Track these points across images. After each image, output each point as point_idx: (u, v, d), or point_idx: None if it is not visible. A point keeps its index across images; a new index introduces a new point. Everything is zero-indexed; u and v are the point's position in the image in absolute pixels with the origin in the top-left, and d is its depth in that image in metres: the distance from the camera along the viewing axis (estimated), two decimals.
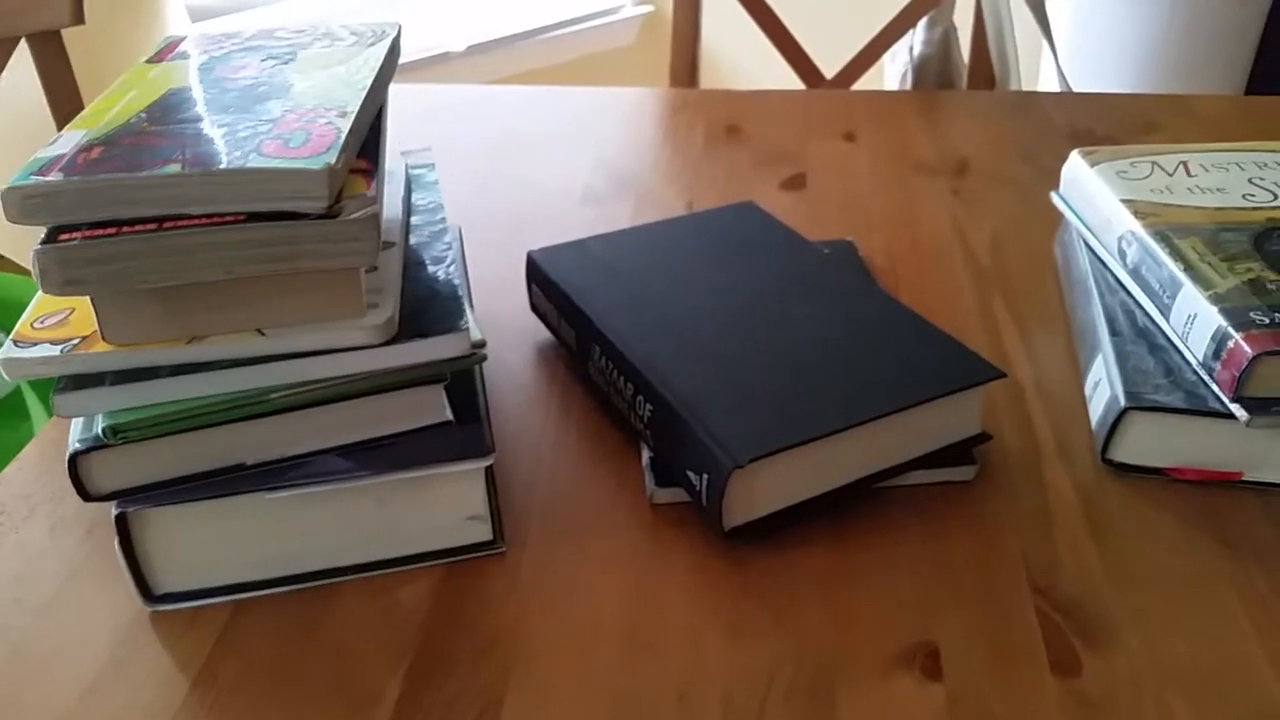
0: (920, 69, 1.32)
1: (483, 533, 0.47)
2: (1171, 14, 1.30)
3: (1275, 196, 0.59)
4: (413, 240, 0.51)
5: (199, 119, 0.42)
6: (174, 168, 0.38)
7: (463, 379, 0.49)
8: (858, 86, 1.31)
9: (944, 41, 1.31)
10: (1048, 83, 1.37)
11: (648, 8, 2.47)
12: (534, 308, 0.62)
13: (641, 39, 2.50)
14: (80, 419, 0.43)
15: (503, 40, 2.27)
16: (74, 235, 0.38)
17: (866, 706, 0.40)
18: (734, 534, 0.46)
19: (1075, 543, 0.47)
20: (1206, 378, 0.49)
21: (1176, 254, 0.54)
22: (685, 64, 1.32)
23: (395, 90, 0.98)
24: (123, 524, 0.42)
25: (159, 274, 0.39)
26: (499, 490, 0.50)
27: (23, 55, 1.10)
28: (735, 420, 0.46)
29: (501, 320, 0.64)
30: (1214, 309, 0.49)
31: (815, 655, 0.42)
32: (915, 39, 1.34)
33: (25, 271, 1.17)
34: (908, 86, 1.37)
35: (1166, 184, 0.61)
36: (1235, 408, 0.47)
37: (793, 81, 1.83)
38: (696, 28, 1.33)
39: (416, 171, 0.58)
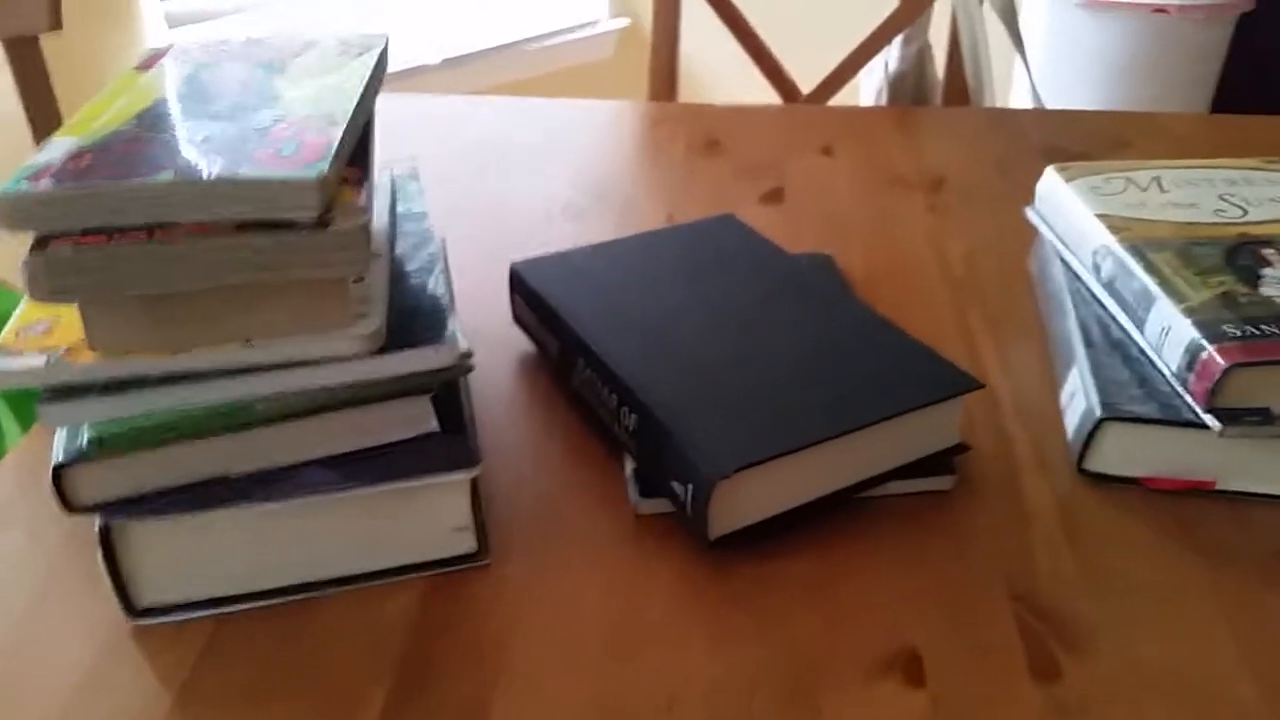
0: (896, 85, 1.33)
1: (468, 544, 0.47)
2: (1141, 35, 1.32)
3: (1245, 212, 0.60)
4: (398, 251, 0.52)
5: (190, 127, 0.42)
6: (166, 176, 0.38)
7: (448, 390, 0.49)
8: (834, 102, 1.32)
9: (919, 58, 1.33)
10: (1020, 99, 1.39)
11: (624, 21, 2.49)
12: (517, 319, 0.62)
13: (619, 53, 2.52)
14: (64, 430, 0.43)
15: (478, 53, 2.28)
16: (64, 243, 0.38)
17: (850, 713, 0.40)
18: (718, 544, 0.47)
19: (1053, 551, 0.48)
20: (1180, 389, 0.50)
21: (1150, 268, 0.55)
22: (664, 78, 1.33)
23: (377, 104, 0.98)
24: (106, 537, 0.42)
25: (148, 283, 0.39)
26: (483, 500, 0.51)
27: None
28: (719, 431, 0.46)
29: (484, 332, 0.64)
30: (1187, 322, 0.50)
31: (799, 663, 0.42)
32: (891, 55, 1.35)
33: (10, 285, 1.16)
34: (883, 102, 1.38)
35: (1140, 199, 0.62)
36: (1208, 418, 0.48)
37: (770, 96, 1.84)
38: (676, 41, 1.34)
39: (401, 181, 0.58)
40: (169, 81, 0.48)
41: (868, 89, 1.42)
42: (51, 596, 0.46)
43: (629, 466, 0.51)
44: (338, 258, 0.39)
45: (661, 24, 1.32)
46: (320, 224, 0.39)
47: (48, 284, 0.38)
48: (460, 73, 2.25)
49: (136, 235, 0.38)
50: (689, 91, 2.50)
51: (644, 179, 0.83)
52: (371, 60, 0.50)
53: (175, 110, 0.44)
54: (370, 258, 0.42)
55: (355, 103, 0.45)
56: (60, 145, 0.41)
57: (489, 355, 0.62)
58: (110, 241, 0.38)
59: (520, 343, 0.63)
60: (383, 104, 0.99)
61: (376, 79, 0.50)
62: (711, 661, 0.42)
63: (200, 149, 0.40)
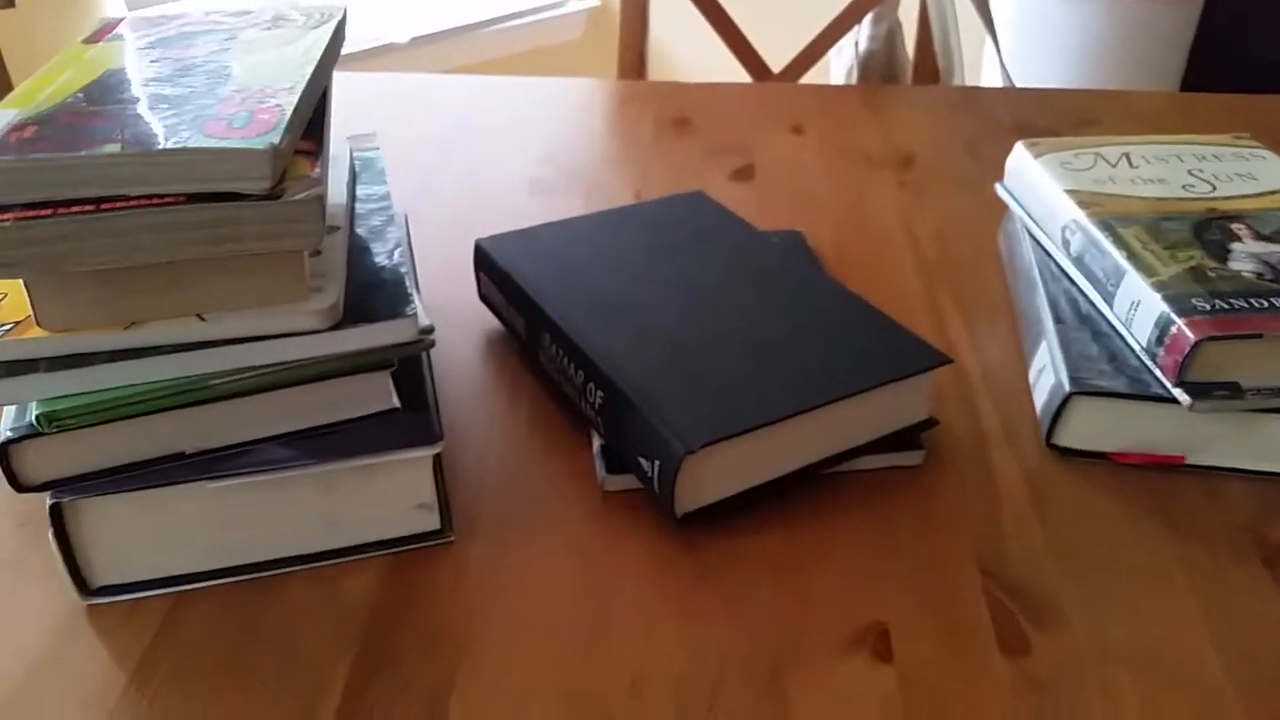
0: (866, 64, 1.33)
1: (431, 522, 0.46)
2: (1109, 14, 1.32)
3: (1214, 188, 0.60)
4: (358, 227, 0.50)
5: (138, 99, 0.41)
6: (113, 147, 0.37)
7: (410, 366, 0.48)
8: (804, 81, 1.32)
9: (889, 37, 1.32)
10: (990, 78, 1.39)
11: (594, 1, 2.47)
12: (482, 297, 0.61)
13: (587, 33, 2.50)
14: (12, 407, 0.41)
15: (447, 32, 2.26)
16: (7, 216, 0.37)
17: (818, 689, 0.40)
18: (686, 520, 0.46)
19: (1022, 526, 0.47)
20: (1149, 363, 0.50)
21: (1120, 242, 0.54)
22: (633, 56, 1.32)
23: (339, 79, 0.97)
24: (57, 515, 0.41)
25: (96, 256, 0.38)
26: (448, 478, 0.50)
27: None
28: (686, 406, 0.46)
29: (449, 310, 0.63)
30: (1157, 296, 0.50)
31: (767, 639, 0.42)
32: (861, 35, 1.35)
33: None
34: (853, 81, 1.38)
35: (1109, 174, 0.62)
36: (1178, 392, 0.48)
37: (740, 76, 1.84)
38: (645, 21, 1.33)
39: (362, 158, 0.57)
40: (117, 54, 0.46)
41: (838, 68, 1.42)
42: (3, 577, 0.45)
43: (596, 443, 0.51)
44: (291, 229, 0.38)
45: (630, 3, 1.31)
46: (273, 195, 0.38)
47: None
48: (428, 52, 2.23)
49: (84, 208, 0.37)
50: (658, 74, 2.49)
51: (612, 157, 0.82)
52: (328, 32, 0.49)
53: (123, 83, 0.43)
54: (326, 230, 0.41)
55: (309, 73, 0.43)
56: (2, 117, 0.40)
57: (454, 334, 0.61)
58: (56, 214, 0.37)
59: (486, 321, 0.62)
60: (350, 82, 0.97)
61: (333, 51, 0.49)
62: (679, 640, 0.42)
63: (148, 120, 0.39)
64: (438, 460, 0.45)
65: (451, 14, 2.27)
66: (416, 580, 0.45)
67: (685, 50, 2.45)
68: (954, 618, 0.43)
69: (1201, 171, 0.62)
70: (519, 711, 0.39)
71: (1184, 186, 0.60)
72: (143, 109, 0.40)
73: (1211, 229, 0.55)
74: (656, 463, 0.45)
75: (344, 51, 1.02)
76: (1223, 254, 0.53)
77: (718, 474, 0.46)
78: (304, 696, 0.40)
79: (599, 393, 0.49)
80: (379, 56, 2.16)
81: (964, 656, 0.41)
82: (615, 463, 0.49)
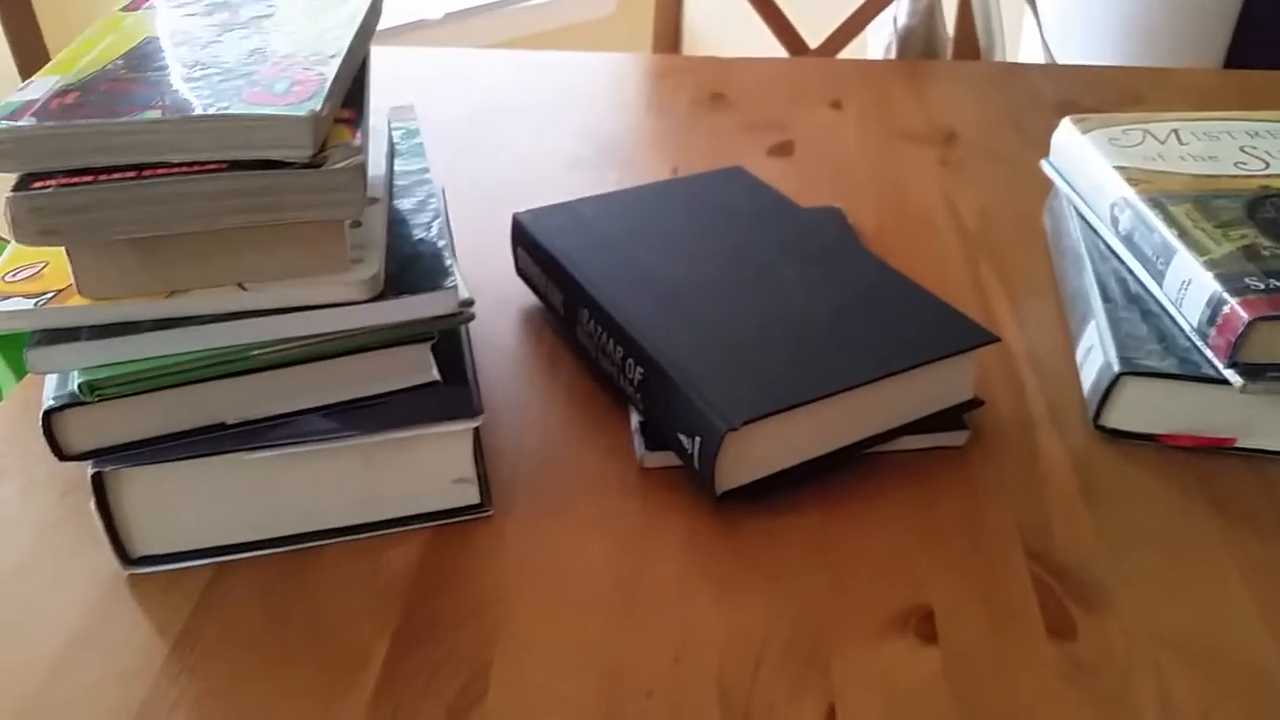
0: (905, 40, 1.31)
1: (470, 496, 0.46)
2: None
3: (1267, 165, 0.58)
4: (396, 199, 0.50)
5: (178, 66, 0.41)
6: (153, 114, 0.37)
7: (449, 340, 0.48)
8: (842, 56, 1.30)
9: (928, 12, 1.30)
10: (1030, 54, 1.36)
11: None
12: (520, 272, 0.61)
13: (622, 9, 2.48)
14: (55, 376, 0.41)
15: (481, 8, 2.25)
16: (48, 183, 0.36)
17: (861, 669, 0.39)
18: (726, 498, 0.46)
19: (1068, 508, 0.47)
20: (1200, 344, 0.49)
21: (1170, 220, 0.53)
22: (669, 30, 1.31)
23: (376, 53, 0.96)
24: (99, 484, 0.41)
25: (137, 224, 0.37)
26: (486, 454, 0.49)
27: None
28: (727, 383, 0.45)
29: (486, 285, 0.63)
30: (1209, 275, 0.49)
31: (809, 619, 0.41)
32: (899, 9, 1.33)
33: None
34: (892, 57, 1.36)
35: (1158, 151, 0.60)
36: (1230, 373, 0.47)
37: (776, 51, 1.82)
38: None
39: (400, 130, 0.57)
40: (155, 22, 0.46)
41: (876, 45, 1.40)
42: (45, 547, 0.45)
43: (634, 420, 0.50)
44: (332, 199, 0.38)
45: None
46: (314, 164, 0.38)
47: (32, 226, 0.37)
48: (461, 28, 2.22)
49: (124, 175, 0.37)
50: (693, 49, 2.47)
51: (648, 132, 0.82)
52: (366, 1, 0.48)
53: (163, 50, 0.43)
54: (366, 200, 0.41)
55: (349, 42, 0.43)
56: (43, 84, 0.39)
57: (492, 309, 0.60)
58: (96, 181, 0.37)
59: (523, 296, 0.61)
60: (384, 57, 0.97)
61: (371, 20, 0.48)
62: (719, 617, 0.41)
63: (189, 87, 0.39)
64: (477, 434, 0.44)
65: None
66: (455, 553, 0.44)
67: (721, 25, 2.43)
68: (999, 601, 0.42)
69: (1254, 148, 0.60)
70: (558, 683, 0.39)
71: (1235, 164, 0.59)
72: (183, 76, 0.40)
73: (1265, 207, 0.54)
74: (697, 439, 0.44)
75: (377, 28, 1.02)
76: (1277, 232, 0.52)
77: (758, 452, 0.45)
78: (344, 667, 0.40)
79: (638, 369, 0.48)
80: (412, 32, 2.16)
81: (1009, 640, 0.40)
82: (654, 439, 0.49)
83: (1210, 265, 0.49)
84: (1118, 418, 0.50)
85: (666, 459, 0.48)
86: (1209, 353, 0.48)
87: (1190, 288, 0.50)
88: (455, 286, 0.42)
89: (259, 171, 0.37)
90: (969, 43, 1.25)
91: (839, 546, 0.45)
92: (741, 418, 0.43)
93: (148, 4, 0.49)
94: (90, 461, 0.41)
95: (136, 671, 0.39)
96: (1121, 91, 0.89)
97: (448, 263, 0.44)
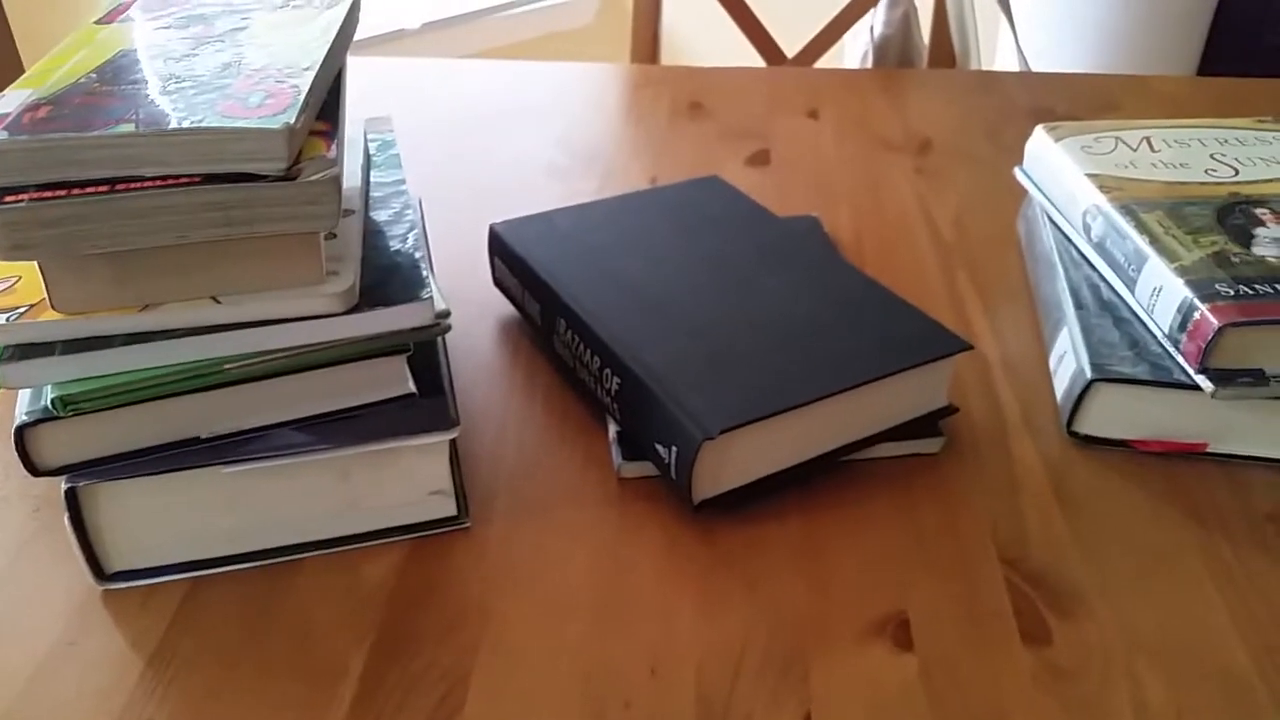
0: (881, 49, 1.32)
1: (447, 508, 0.46)
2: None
3: (1236, 172, 0.59)
4: (373, 210, 0.50)
5: (152, 79, 0.41)
6: (126, 127, 0.37)
7: (425, 351, 0.48)
8: (819, 66, 1.31)
9: (904, 22, 1.31)
10: (1005, 62, 1.38)
11: None
12: (497, 282, 0.61)
13: (600, 19, 2.49)
14: (28, 391, 0.41)
15: (459, 18, 2.25)
16: (21, 197, 0.36)
17: (839, 676, 0.39)
18: (703, 507, 0.46)
19: (1043, 514, 0.47)
20: (1172, 350, 0.50)
21: (1142, 227, 0.54)
22: (647, 39, 1.31)
23: (353, 64, 0.96)
24: (73, 499, 0.41)
25: (111, 238, 0.37)
26: (464, 465, 0.49)
27: None
28: (704, 392, 0.45)
29: (463, 295, 0.63)
30: (1180, 281, 0.49)
31: (787, 627, 0.41)
32: (876, 19, 1.34)
33: None
34: (869, 66, 1.37)
35: (1130, 159, 0.61)
36: (1201, 379, 0.48)
37: (754, 60, 1.83)
38: (658, 4, 1.32)
39: (376, 141, 0.57)
40: (130, 35, 0.46)
41: (852, 54, 1.41)
42: (19, 563, 0.44)
43: (612, 430, 0.50)
44: (307, 211, 0.38)
45: None
46: (289, 176, 0.38)
47: (5, 240, 0.36)
48: (440, 38, 2.22)
49: (98, 189, 0.37)
50: (671, 58, 2.47)
51: (627, 142, 0.82)
52: (342, 13, 0.48)
53: (136, 63, 0.42)
54: (341, 213, 0.41)
55: (324, 54, 0.43)
56: (15, 97, 0.39)
57: (469, 319, 0.60)
58: (70, 195, 0.36)
59: (501, 307, 0.62)
60: (361, 68, 0.97)
61: (347, 32, 0.48)
62: (697, 626, 0.42)
63: (163, 101, 0.39)
64: (454, 446, 0.44)
65: (463, 0, 2.26)
66: (433, 565, 0.44)
67: (698, 35, 2.44)
68: (975, 606, 0.42)
69: (1224, 155, 0.61)
70: (537, 694, 0.39)
71: (1206, 171, 0.59)
72: (156, 89, 0.40)
73: (1235, 214, 0.55)
74: (674, 449, 0.45)
75: (355, 38, 1.02)
76: (1246, 239, 0.52)
77: (736, 461, 0.46)
78: (322, 681, 0.39)
79: (615, 379, 0.48)
80: (390, 42, 2.15)
81: (985, 645, 0.41)
82: (632, 449, 0.49)
83: (1181, 272, 0.50)
84: (1090, 424, 0.51)
85: (644, 469, 0.49)
86: (1180, 359, 0.49)
87: (1161, 294, 0.50)
88: (431, 298, 0.42)
89: (233, 185, 0.37)
90: (945, 51, 1.26)
91: (816, 554, 0.45)
92: (718, 427, 0.43)
93: (122, 17, 0.49)
94: (64, 477, 0.41)
95: (113, 686, 0.39)
96: (1096, 99, 0.90)
97: (424, 274, 0.44)
